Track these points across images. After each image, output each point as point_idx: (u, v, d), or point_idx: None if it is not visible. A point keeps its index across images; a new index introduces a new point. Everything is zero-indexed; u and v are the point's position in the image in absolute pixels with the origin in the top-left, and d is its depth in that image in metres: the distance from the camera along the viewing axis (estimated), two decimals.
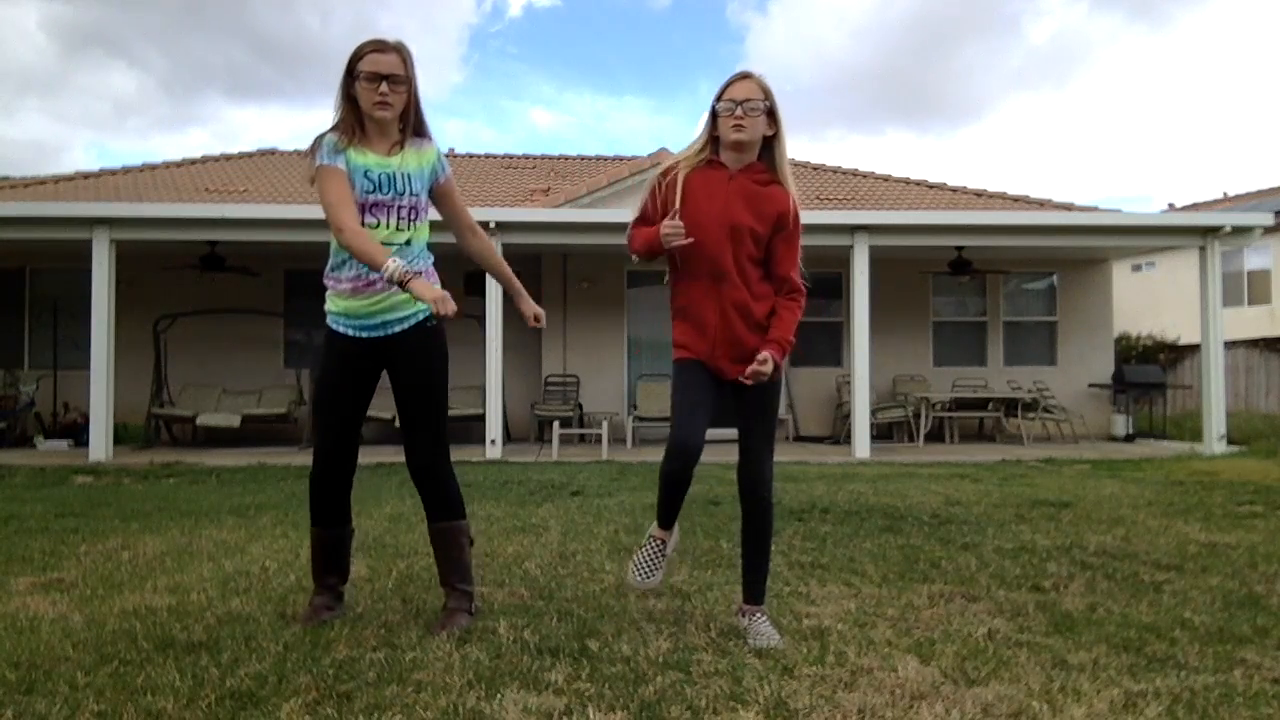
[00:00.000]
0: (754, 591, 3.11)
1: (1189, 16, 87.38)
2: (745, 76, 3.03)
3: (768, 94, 3.01)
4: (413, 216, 3.14)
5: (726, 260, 3.02)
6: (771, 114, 3.03)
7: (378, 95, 3.01)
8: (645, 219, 3.16)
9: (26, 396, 12.09)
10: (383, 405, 3.12)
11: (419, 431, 3.16)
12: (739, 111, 2.97)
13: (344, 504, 3.29)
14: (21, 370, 12.59)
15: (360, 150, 3.06)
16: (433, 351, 3.17)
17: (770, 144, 3.06)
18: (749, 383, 3.01)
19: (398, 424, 3.28)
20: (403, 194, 3.10)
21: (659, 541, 3.17)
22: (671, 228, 2.98)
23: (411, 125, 3.14)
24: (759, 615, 3.07)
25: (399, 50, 3.05)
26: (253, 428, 11.99)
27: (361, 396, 3.21)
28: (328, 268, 3.15)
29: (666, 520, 3.17)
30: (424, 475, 3.18)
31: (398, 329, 3.12)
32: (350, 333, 3.12)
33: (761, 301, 3.11)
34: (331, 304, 3.16)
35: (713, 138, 3.07)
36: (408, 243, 3.12)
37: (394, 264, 2.88)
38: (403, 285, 2.87)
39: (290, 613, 3.30)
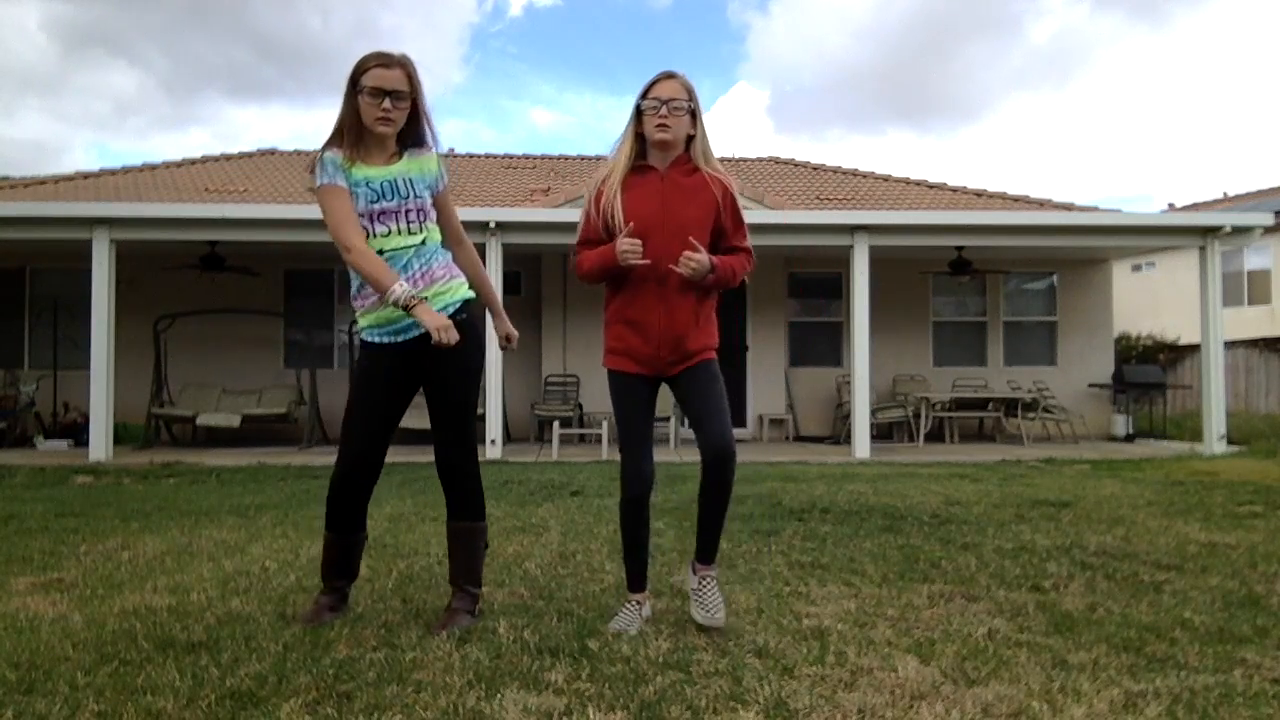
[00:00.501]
0: (706, 551, 3.16)
1: (1190, 17, 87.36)
2: (670, 76, 3.11)
3: (691, 94, 3.10)
4: (421, 218, 3.15)
5: (672, 258, 3.05)
6: (694, 114, 3.11)
7: (380, 111, 3.03)
8: (589, 241, 3.19)
9: (26, 396, 12.09)
10: None
11: (449, 428, 3.17)
12: (664, 110, 3.05)
13: (362, 511, 3.29)
14: (21, 370, 12.59)
15: (359, 165, 3.07)
16: (467, 345, 3.11)
17: (691, 141, 3.14)
18: (684, 272, 3.02)
19: (401, 424, 3.29)
20: (407, 198, 3.11)
21: (635, 603, 3.22)
22: (629, 245, 3.01)
23: (412, 138, 3.16)
24: (709, 579, 3.11)
25: (404, 65, 3.07)
26: (253, 428, 12.00)
27: (398, 408, 3.21)
28: (353, 290, 3.17)
29: (636, 578, 3.23)
30: (452, 473, 3.20)
31: None
32: (387, 340, 3.12)
33: (705, 298, 3.16)
34: (365, 320, 3.17)
35: (637, 135, 3.13)
36: (422, 243, 3.14)
37: (399, 288, 2.94)
38: (408, 309, 2.94)
39: (290, 613, 3.30)
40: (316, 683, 2.53)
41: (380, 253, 3.07)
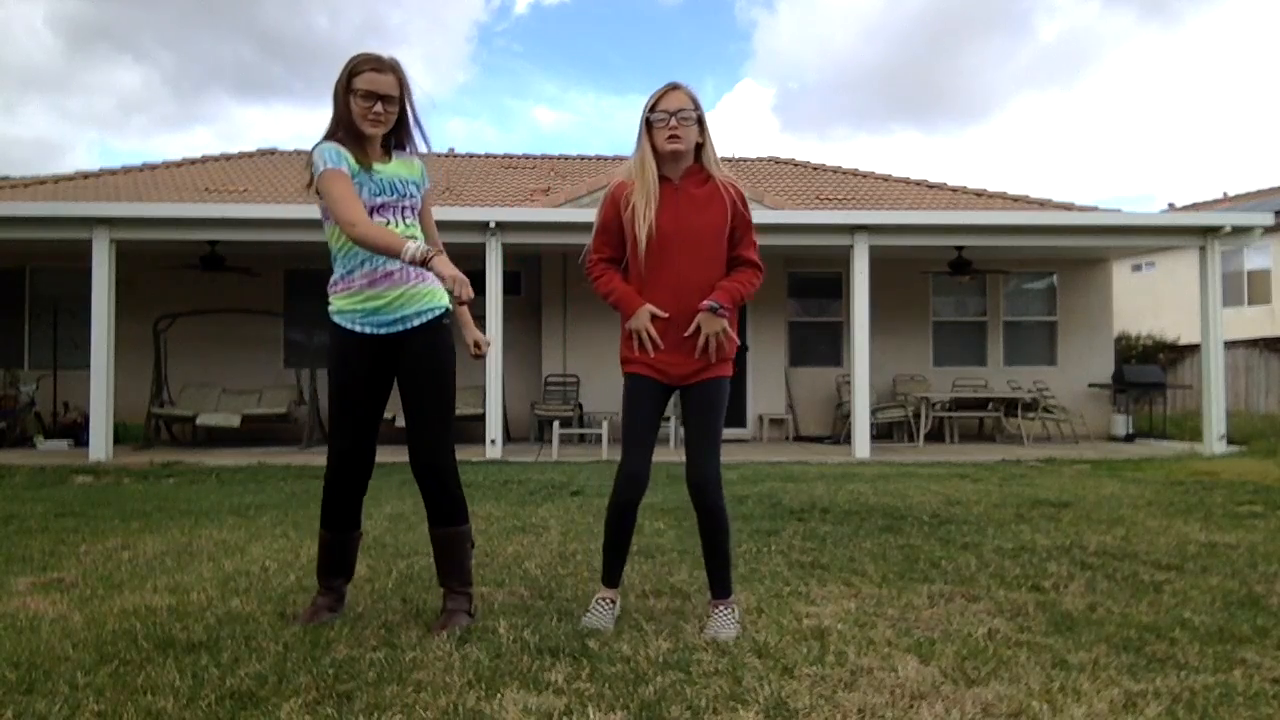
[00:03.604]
0: (717, 587, 3.22)
1: (1197, 17, 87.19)
2: (675, 88, 3.17)
3: (697, 104, 3.16)
4: (413, 214, 3.23)
5: (688, 266, 3.14)
6: (700, 122, 3.17)
7: (372, 114, 3.08)
8: (608, 252, 3.24)
9: (26, 396, 12.09)
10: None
11: (426, 431, 3.15)
12: (673, 122, 3.11)
13: (357, 508, 3.28)
14: (21, 370, 12.59)
15: (361, 159, 3.11)
16: (442, 349, 3.18)
17: (700, 149, 3.21)
18: (705, 338, 3.13)
19: (398, 424, 3.29)
20: (403, 195, 3.17)
21: (609, 601, 3.25)
22: (648, 331, 3.13)
23: (398, 140, 3.21)
24: (723, 608, 3.16)
25: (395, 70, 3.12)
26: (253, 427, 12.00)
27: (379, 396, 3.21)
28: (336, 277, 3.16)
29: (611, 575, 3.28)
30: (429, 476, 3.17)
31: (415, 323, 3.12)
32: (366, 331, 3.12)
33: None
34: (344, 304, 3.14)
35: (650, 147, 3.18)
36: (414, 239, 3.15)
37: (414, 245, 2.88)
38: (425, 264, 2.84)
39: (290, 612, 3.30)
40: (316, 683, 2.52)
41: None
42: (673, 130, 3.10)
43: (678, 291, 3.14)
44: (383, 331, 3.13)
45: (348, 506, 3.25)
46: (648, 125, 3.15)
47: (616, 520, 3.25)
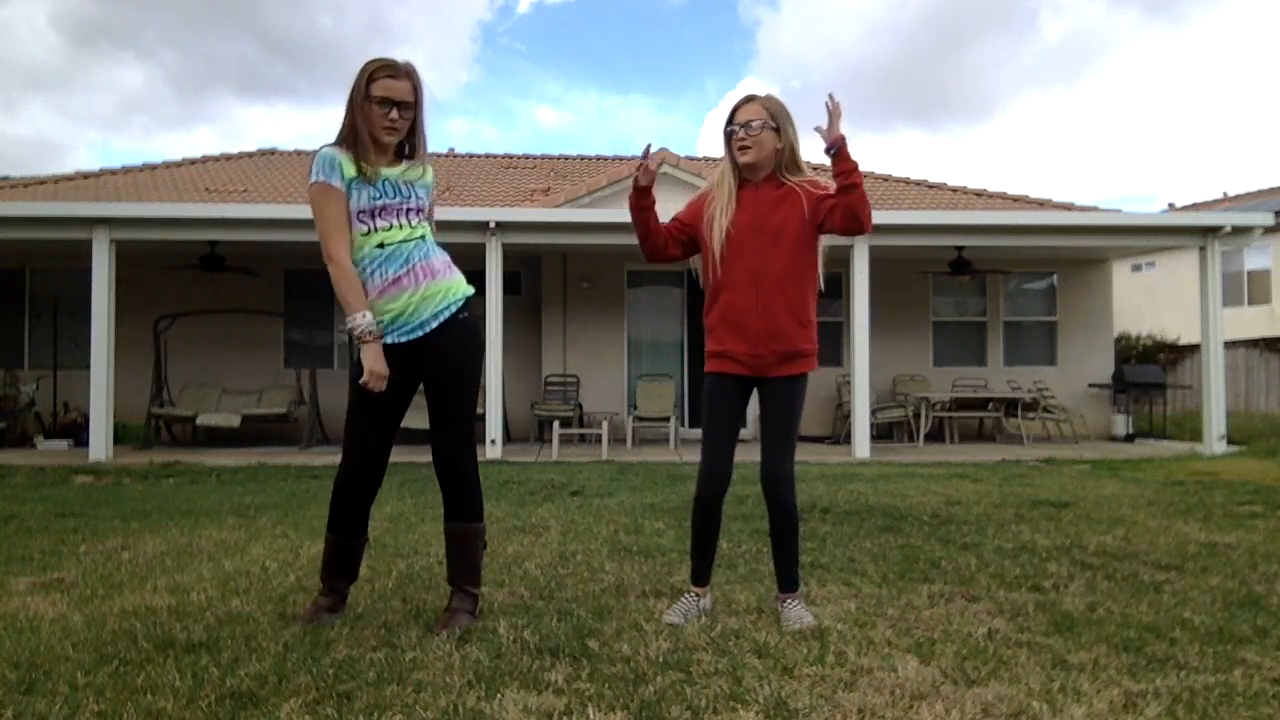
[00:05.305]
0: (784, 581, 3.36)
1: (1199, 17, 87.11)
2: (749, 100, 3.28)
3: (773, 114, 3.24)
4: (419, 217, 3.19)
5: (767, 263, 3.22)
6: (778, 130, 3.24)
7: (387, 121, 3.07)
8: (677, 220, 3.39)
9: (26, 396, 12.09)
10: None
11: (449, 428, 3.17)
12: (742, 134, 3.22)
13: (365, 515, 3.29)
14: (21, 370, 12.59)
15: (363, 163, 3.08)
16: (468, 345, 3.19)
17: (780, 153, 3.27)
18: (828, 139, 3.13)
19: (402, 424, 3.29)
20: (408, 197, 3.15)
21: (695, 595, 3.35)
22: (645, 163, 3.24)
23: (410, 147, 3.19)
24: (791, 601, 3.30)
25: (410, 76, 3.12)
26: (253, 428, 12.00)
27: (399, 407, 3.21)
28: None
29: (699, 572, 3.37)
30: (451, 473, 3.19)
31: (434, 325, 3.12)
32: (390, 340, 3.11)
33: (800, 294, 3.28)
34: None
35: (733, 160, 3.30)
36: (423, 237, 3.18)
37: (364, 319, 3.01)
38: (360, 342, 3.03)
39: (290, 612, 3.30)
40: (316, 683, 2.53)
41: (382, 246, 3.08)
42: (742, 142, 3.21)
43: (757, 282, 3.22)
44: (405, 339, 3.13)
45: (357, 513, 3.25)
46: (727, 138, 3.27)
47: (699, 517, 3.35)
